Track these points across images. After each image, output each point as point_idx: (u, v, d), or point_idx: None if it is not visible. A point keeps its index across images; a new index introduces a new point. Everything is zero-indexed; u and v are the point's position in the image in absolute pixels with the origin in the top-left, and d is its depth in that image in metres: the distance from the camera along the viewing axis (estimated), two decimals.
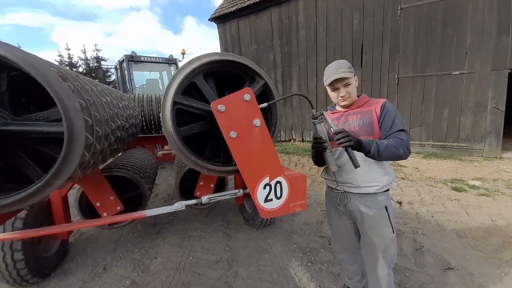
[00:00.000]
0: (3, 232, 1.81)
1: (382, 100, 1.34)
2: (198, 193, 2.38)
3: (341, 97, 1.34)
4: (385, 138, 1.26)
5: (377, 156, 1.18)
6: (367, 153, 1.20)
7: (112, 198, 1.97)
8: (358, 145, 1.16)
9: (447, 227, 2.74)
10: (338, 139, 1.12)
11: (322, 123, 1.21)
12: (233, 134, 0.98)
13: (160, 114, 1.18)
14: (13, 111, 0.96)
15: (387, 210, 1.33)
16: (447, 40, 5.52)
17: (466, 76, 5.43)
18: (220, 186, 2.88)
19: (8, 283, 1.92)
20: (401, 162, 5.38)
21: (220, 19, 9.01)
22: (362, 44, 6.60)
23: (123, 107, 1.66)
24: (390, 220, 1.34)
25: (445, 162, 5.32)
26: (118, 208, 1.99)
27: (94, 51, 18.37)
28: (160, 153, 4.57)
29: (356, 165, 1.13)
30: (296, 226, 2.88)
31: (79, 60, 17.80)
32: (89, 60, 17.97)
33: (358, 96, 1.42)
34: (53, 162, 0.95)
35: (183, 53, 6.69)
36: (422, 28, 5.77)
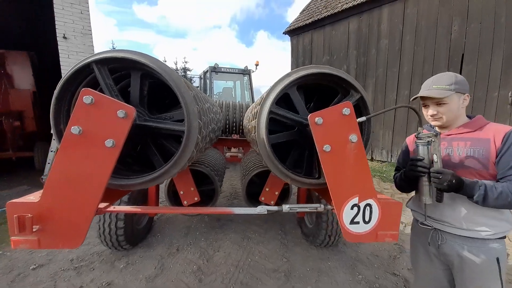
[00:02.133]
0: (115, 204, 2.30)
1: (507, 128, 1.05)
2: (262, 198, 2.44)
3: (430, 116, 1.15)
4: (500, 179, 1.01)
5: (483, 203, 0.99)
6: (469, 197, 1.02)
7: (192, 189, 2.24)
8: (456, 187, 0.99)
9: None
10: (435, 178, 1.01)
11: (428, 146, 1.03)
12: (327, 147, 0.96)
13: (250, 121, 1.27)
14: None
15: (498, 263, 1.05)
16: None
17: None
18: (284, 194, 2.89)
19: (107, 246, 2.39)
20: None
21: (294, 31, 9.23)
22: (462, 54, 5.55)
23: (215, 112, 1.88)
24: (500, 275, 1.06)
25: None
26: (196, 199, 2.24)
27: (183, 62, 21.81)
28: (228, 154, 4.94)
29: (439, 200, 1.04)
30: (362, 255, 2.59)
31: None
32: (178, 70, 21.39)
33: (470, 118, 1.16)
34: (168, 154, 1.15)
35: (257, 64, 7.13)
36: None
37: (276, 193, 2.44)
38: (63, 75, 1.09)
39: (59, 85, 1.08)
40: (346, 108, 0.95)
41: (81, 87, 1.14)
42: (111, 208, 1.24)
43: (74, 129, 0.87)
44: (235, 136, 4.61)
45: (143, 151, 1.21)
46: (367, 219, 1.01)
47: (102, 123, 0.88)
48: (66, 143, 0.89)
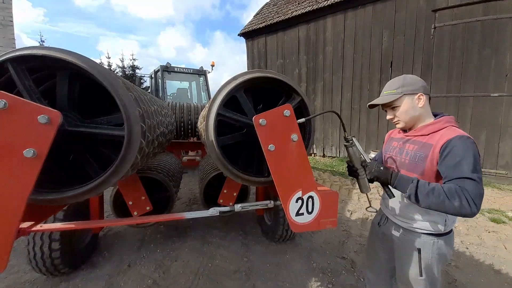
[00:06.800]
0: (45, 222, 1.98)
1: (450, 135, 1.01)
2: (221, 201, 2.44)
3: (389, 119, 1.21)
4: (445, 183, 1.00)
5: (415, 200, 0.99)
6: (403, 193, 1.04)
7: (143, 198, 2.09)
8: (385, 173, 1.06)
9: (483, 261, 2.51)
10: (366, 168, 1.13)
11: (354, 147, 1.17)
12: (272, 147, 1.03)
13: (201, 123, 1.27)
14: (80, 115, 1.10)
15: (419, 253, 1.14)
16: (485, 61, 5.25)
17: (506, 99, 5.08)
18: (243, 195, 2.92)
19: (40, 272, 2.03)
20: None
21: (248, 34, 9.42)
22: (391, 62, 6.49)
23: (164, 114, 1.80)
24: (420, 264, 1.15)
25: None
26: (148, 208, 2.10)
27: (131, 60, 19.94)
28: (185, 158, 4.76)
29: (389, 196, 1.11)
30: (316, 244, 2.81)
31: (117, 67, 19.35)
32: (125, 68, 19.48)
33: (436, 117, 1.15)
34: (107, 161, 1.06)
35: (213, 65, 7.05)
36: (457, 48, 5.56)
37: (234, 194, 2.46)
38: None
39: None
40: (286, 110, 1.03)
41: None
42: (38, 227, 1.08)
43: None
44: (192, 139, 4.46)
45: (77, 160, 1.09)
46: (310, 209, 1.11)
47: (18, 131, 0.76)
48: None
